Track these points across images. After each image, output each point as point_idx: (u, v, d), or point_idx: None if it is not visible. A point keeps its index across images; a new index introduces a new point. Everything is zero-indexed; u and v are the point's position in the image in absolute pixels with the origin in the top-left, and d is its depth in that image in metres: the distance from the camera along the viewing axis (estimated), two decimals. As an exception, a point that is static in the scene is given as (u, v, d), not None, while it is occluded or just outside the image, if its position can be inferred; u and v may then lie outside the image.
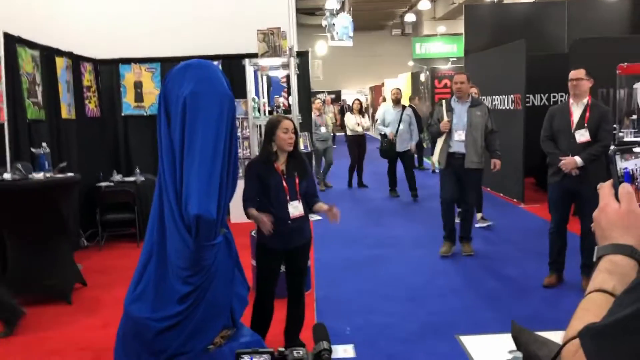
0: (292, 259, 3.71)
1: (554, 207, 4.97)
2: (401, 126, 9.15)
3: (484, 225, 7.28)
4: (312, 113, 9.67)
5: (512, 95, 8.86)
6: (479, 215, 7.34)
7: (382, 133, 9.35)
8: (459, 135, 5.74)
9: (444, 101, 6.05)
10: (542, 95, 9.31)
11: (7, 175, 5.05)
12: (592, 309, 0.92)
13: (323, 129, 10.61)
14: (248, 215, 3.49)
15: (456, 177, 5.86)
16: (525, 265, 5.65)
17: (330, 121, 11.82)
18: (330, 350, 1.47)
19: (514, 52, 8.72)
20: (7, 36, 5.59)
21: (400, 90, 9.81)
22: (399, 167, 9.61)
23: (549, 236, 5.03)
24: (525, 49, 8.30)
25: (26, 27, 6.77)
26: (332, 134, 11.07)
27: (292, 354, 1.45)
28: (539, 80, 8.77)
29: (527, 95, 8.71)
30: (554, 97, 9.25)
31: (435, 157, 6.05)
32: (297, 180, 3.60)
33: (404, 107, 9.46)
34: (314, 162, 10.23)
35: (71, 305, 4.95)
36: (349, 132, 10.73)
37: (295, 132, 3.61)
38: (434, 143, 6.31)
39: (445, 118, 5.82)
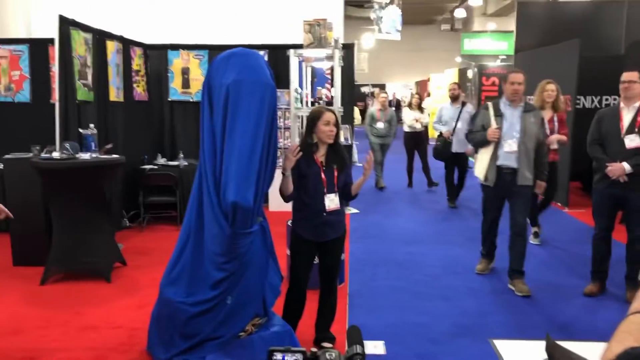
0: (326, 252, 3.70)
1: (599, 214, 4.80)
2: (459, 125, 8.21)
3: (537, 242, 6.50)
4: (372, 106, 9.33)
5: (561, 96, 8.59)
6: (532, 229, 6.56)
7: (439, 132, 8.55)
8: (510, 146, 4.81)
9: (490, 104, 5.04)
10: (593, 97, 9.01)
11: (55, 154, 5.22)
12: (633, 332, 0.87)
13: (381, 125, 9.80)
14: (282, 190, 3.48)
15: (504, 194, 5.01)
16: (566, 272, 5.51)
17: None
18: (363, 355, 1.45)
19: (567, 52, 8.46)
20: (62, 19, 5.75)
21: (458, 85, 8.86)
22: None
23: (593, 243, 4.88)
24: (579, 49, 8.05)
25: (80, 11, 6.97)
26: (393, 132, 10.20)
27: (325, 355, 1.44)
28: (591, 82, 8.49)
29: (578, 97, 8.45)
30: (607, 99, 8.94)
31: (480, 172, 5.02)
32: (335, 173, 3.58)
33: (463, 103, 8.51)
34: (371, 156, 10.06)
35: (110, 284, 5.08)
36: (406, 129, 10.07)
37: (337, 125, 3.59)
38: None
39: (494, 124, 4.87)
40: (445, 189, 8.76)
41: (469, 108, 8.38)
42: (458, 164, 8.51)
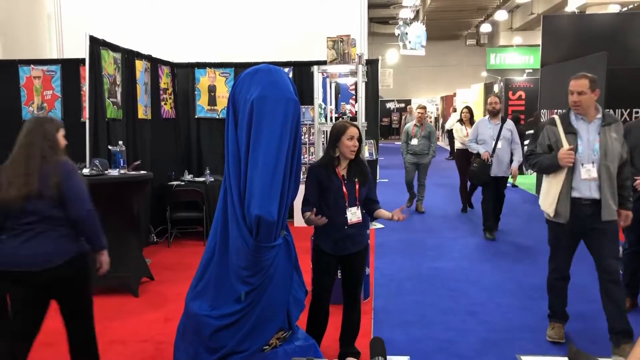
0: (348, 265, 3.71)
1: (629, 228, 4.69)
2: (500, 144, 7.27)
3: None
4: (405, 120, 9.04)
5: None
6: None
7: (475, 152, 7.42)
8: (588, 172, 3.82)
9: (558, 118, 4.01)
10: (623, 110, 8.87)
11: (85, 171, 5.34)
12: None
13: (414, 141, 9.04)
14: (304, 217, 3.53)
15: (581, 233, 3.97)
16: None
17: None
18: None
19: (594, 65, 8.36)
20: (92, 39, 5.91)
21: (498, 99, 7.83)
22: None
23: (623, 257, 4.77)
24: (607, 61, 7.95)
25: (109, 31, 7.16)
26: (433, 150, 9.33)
27: None
28: (620, 95, 8.36)
29: (607, 110, 8.32)
30: (637, 112, 8.79)
31: (549, 206, 3.97)
32: (357, 187, 3.60)
33: (503, 119, 7.50)
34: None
35: (137, 298, 5.15)
36: (458, 146, 9.35)
37: (360, 140, 3.62)
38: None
39: (565, 144, 3.83)
40: (482, 217, 7.65)
41: (510, 125, 7.48)
42: (497, 189, 7.45)
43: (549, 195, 3.98)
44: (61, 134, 3.31)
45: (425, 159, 9.13)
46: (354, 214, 3.57)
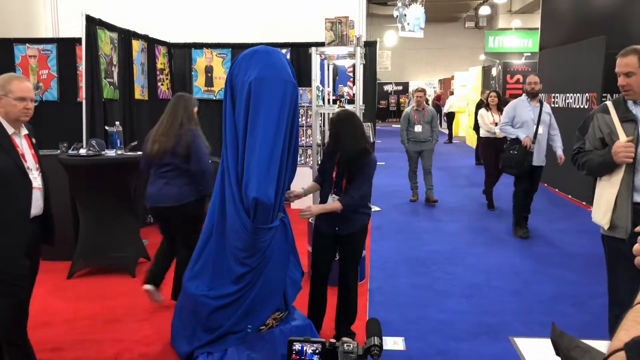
0: (342, 246, 3.77)
1: None
2: (540, 129, 6.40)
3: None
4: (406, 105, 8.46)
5: (587, 94, 8.50)
6: None
7: (513, 137, 6.49)
8: None
9: (610, 104, 3.17)
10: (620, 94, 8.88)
11: (82, 151, 5.33)
12: None
13: (419, 128, 8.38)
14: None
15: None
16: (590, 272, 5.44)
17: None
18: (380, 347, 1.48)
19: (593, 49, 8.35)
20: (88, 18, 5.86)
21: (538, 78, 6.65)
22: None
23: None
24: (606, 46, 7.93)
25: (106, 10, 7.10)
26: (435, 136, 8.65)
27: (343, 346, 1.48)
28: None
29: (604, 95, 8.33)
30: (634, 97, 8.79)
31: (603, 217, 3.10)
32: (343, 180, 3.63)
33: (541, 102, 6.55)
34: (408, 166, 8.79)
35: (135, 279, 5.17)
36: (483, 134, 8.40)
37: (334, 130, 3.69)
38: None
39: (622, 135, 3.02)
40: (513, 212, 6.85)
41: (548, 108, 6.57)
42: (533, 180, 6.61)
43: (602, 202, 3.12)
44: (195, 109, 4.47)
45: (429, 144, 8.51)
46: (333, 200, 3.64)
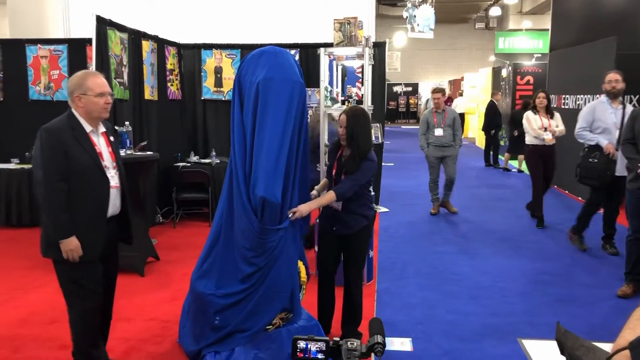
0: (345, 246, 3.77)
1: (632, 214, 4.69)
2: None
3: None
4: (423, 107, 6.86)
5: (597, 95, 8.43)
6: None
7: (593, 144, 5.75)
8: None
9: None
10: (632, 96, 8.80)
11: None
12: None
13: (439, 131, 7.70)
14: None
15: None
16: (599, 273, 5.41)
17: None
18: (383, 345, 1.50)
19: (604, 50, 8.30)
20: (98, 19, 5.90)
21: (620, 75, 5.82)
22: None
23: (627, 244, 4.78)
24: (617, 47, 7.87)
25: (116, 11, 7.15)
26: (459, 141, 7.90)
27: (347, 344, 1.49)
28: (630, 80, 8.25)
29: (615, 96, 8.27)
30: (646, 98, 8.73)
31: None
32: (342, 177, 3.62)
33: (623, 103, 5.80)
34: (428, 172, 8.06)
35: (143, 278, 5.20)
36: (529, 140, 7.25)
37: (349, 127, 3.56)
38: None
39: None
40: (579, 218, 6.16)
41: (629, 109, 5.65)
42: (615, 192, 5.77)
43: None
44: None
45: (452, 150, 7.80)
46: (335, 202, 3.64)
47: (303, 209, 3.43)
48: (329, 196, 3.52)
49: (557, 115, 7.22)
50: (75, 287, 3.04)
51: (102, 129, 3.10)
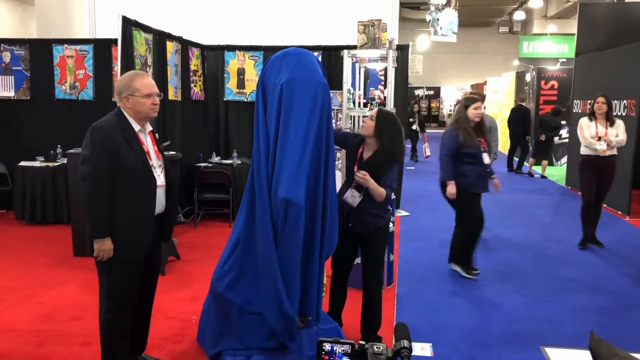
0: (363, 245, 3.75)
1: None
2: None
3: None
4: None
5: (625, 101, 8.29)
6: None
7: None
8: None
9: None
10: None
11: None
12: None
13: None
14: None
15: None
16: (626, 282, 5.30)
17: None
18: (410, 349, 1.48)
19: (631, 55, 8.15)
20: (124, 19, 5.96)
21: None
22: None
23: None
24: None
25: (141, 12, 7.22)
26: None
27: (373, 347, 1.48)
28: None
29: (642, 102, 8.12)
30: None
31: None
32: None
33: None
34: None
35: (164, 277, 5.23)
36: (582, 151, 6.34)
37: (377, 125, 3.60)
38: None
39: None
40: None
41: None
42: None
43: None
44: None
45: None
46: (352, 197, 3.62)
47: (370, 180, 3.47)
48: (381, 191, 3.54)
49: (618, 122, 6.28)
50: (120, 284, 3.02)
51: (149, 127, 3.13)
